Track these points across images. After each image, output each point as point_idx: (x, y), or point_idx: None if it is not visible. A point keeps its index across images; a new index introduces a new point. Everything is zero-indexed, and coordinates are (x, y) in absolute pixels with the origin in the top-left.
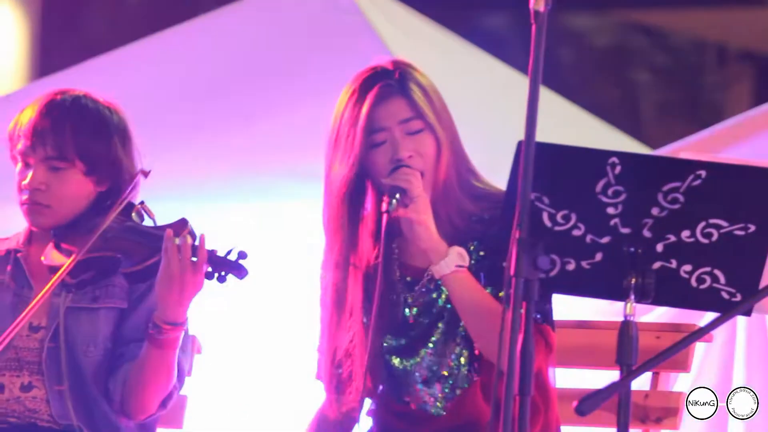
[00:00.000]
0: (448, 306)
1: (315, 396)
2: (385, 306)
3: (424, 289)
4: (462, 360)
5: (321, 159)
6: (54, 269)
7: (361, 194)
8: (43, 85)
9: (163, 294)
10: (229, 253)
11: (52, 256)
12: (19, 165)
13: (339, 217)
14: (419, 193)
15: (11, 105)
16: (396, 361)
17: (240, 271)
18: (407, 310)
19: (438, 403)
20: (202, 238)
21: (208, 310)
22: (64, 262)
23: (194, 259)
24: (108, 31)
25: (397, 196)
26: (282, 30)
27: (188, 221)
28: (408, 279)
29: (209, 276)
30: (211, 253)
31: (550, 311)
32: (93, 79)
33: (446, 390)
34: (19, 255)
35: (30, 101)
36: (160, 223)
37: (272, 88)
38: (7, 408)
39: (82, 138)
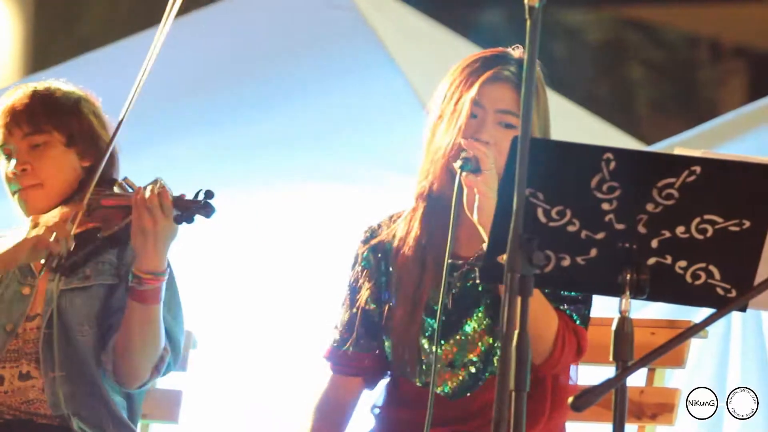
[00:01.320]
0: (488, 293)
1: (310, 389)
2: (425, 289)
3: (463, 276)
4: (491, 350)
5: (316, 154)
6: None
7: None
8: (36, 80)
9: (140, 246)
10: (196, 194)
11: None
12: (3, 160)
13: (440, 185)
14: (490, 167)
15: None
16: (426, 343)
17: (207, 210)
18: (443, 296)
19: (458, 388)
20: (163, 186)
21: (203, 306)
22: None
23: (160, 208)
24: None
25: (472, 160)
26: (277, 26)
27: (160, 178)
28: (451, 262)
29: (178, 219)
30: (178, 197)
31: (587, 315)
32: (87, 74)
33: (469, 377)
34: None
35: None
36: None
37: (267, 85)
38: (5, 401)
39: (54, 111)
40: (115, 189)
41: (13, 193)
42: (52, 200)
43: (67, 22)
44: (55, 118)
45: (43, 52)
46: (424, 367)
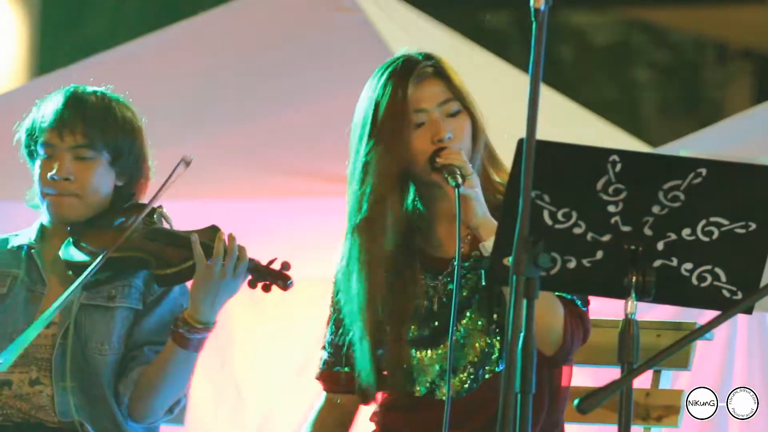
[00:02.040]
0: (476, 296)
1: (315, 392)
2: (408, 298)
3: (447, 279)
4: (488, 350)
5: (321, 156)
6: (73, 265)
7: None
8: (42, 82)
9: (199, 297)
10: (272, 263)
11: (70, 252)
12: (40, 159)
13: (384, 210)
14: (471, 170)
15: (11, 103)
16: (417, 352)
17: (285, 281)
18: (428, 302)
19: (459, 391)
20: (242, 248)
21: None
22: (84, 260)
23: (234, 266)
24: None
25: (458, 171)
26: (282, 28)
27: (219, 228)
28: (431, 270)
29: (252, 284)
30: (255, 263)
31: (585, 297)
32: (93, 77)
33: (469, 379)
34: (32, 251)
35: (30, 98)
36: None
37: (272, 87)
38: (12, 405)
39: (111, 128)
40: (154, 219)
41: (44, 195)
42: (83, 213)
43: (73, 24)
44: (110, 137)
45: (49, 54)
46: (415, 375)
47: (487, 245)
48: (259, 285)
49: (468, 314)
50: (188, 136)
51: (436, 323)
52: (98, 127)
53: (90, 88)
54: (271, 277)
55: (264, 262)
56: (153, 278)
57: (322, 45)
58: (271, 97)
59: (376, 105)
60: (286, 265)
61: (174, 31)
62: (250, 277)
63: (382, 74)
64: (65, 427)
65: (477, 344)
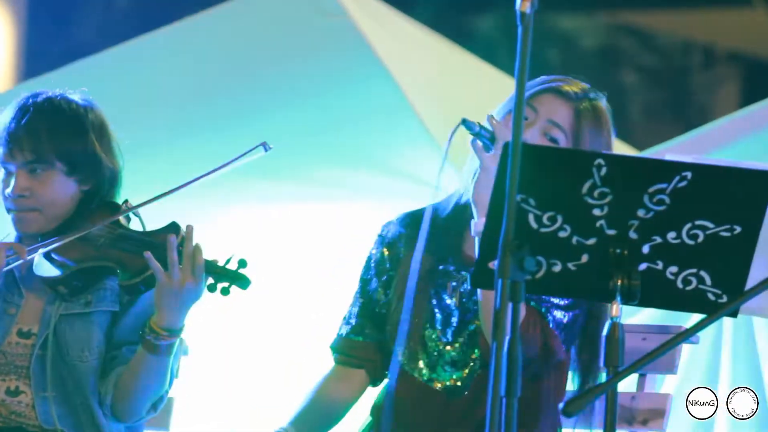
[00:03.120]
0: None
1: (301, 392)
2: (428, 289)
3: (465, 274)
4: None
5: (309, 161)
6: (47, 280)
7: None
8: (29, 87)
9: (163, 303)
10: (228, 261)
11: (43, 267)
12: (1, 172)
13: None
14: (500, 150)
15: None
16: (432, 342)
17: (242, 282)
18: (446, 297)
19: (457, 386)
20: (198, 248)
21: (193, 311)
22: (55, 273)
23: (192, 270)
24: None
25: (486, 131)
26: (268, 34)
27: (178, 225)
28: (459, 263)
29: (212, 288)
30: (212, 263)
31: (565, 323)
32: (80, 81)
33: (472, 373)
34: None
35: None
36: (147, 225)
37: (258, 92)
38: None
39: (59, 139)
40: (121, 219)
41: (8, 211)
42: (47, 225)
43: (60, 28)
44: (59, 147)
45: (36, 58)
46: (426, 358)
47: (472, 224)
48: (219, 288)
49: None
50: (176, 140)
51: (452, 318)
52: (45, 141)
53: (42, 96)
54: (229, 278)
55: (221, 262)
56: (119, 288)
57: (308, 49)
58: (257, 101)
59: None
60: (243, 262)
61: (160, 36)
62: (210, 280)
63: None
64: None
65: (482, 344)
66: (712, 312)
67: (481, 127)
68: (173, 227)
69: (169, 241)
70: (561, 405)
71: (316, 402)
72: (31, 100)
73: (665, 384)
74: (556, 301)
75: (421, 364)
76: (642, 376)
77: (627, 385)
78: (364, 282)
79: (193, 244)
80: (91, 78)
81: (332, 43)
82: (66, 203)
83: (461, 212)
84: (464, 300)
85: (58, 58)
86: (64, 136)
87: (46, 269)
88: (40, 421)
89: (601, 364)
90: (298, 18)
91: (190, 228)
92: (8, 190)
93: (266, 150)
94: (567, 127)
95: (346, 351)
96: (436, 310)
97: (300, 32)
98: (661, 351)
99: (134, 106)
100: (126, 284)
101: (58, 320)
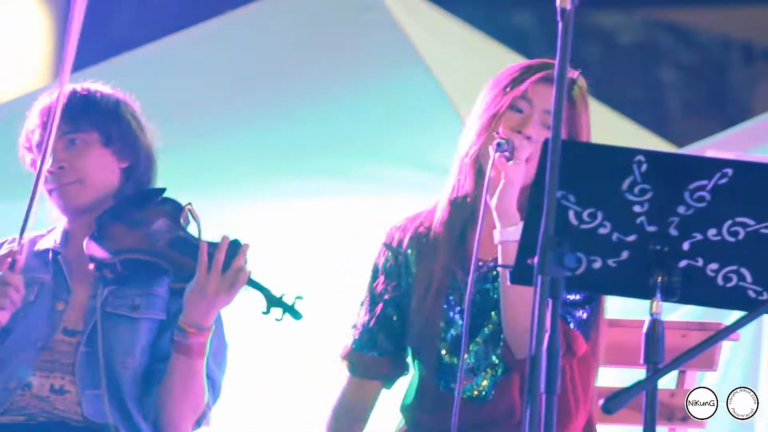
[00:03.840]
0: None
1: (320, 396)
2: (443, 297)
3: (481, 278)
4: (508, 350)
5: (343, 157)
6: (96, 260)
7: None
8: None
9: (193, 303)
10: (282, 296)
11: (93, 247)
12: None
13: (465, 186)
14: (523, 159)
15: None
16: (445, 349)
17: (296, 315)
18: (456, 303)
19: (482, 392)
20: (244, 268)
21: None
22: (105, 255)
23: (232, 281)
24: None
25: (507, 143)
26: (308, 28)
27: (241, 244)
28: (460, 271)
29: (265, 312)
30: (268, 293)
31: (585, 319)
32: (119, 76)
33: (491, 379)
34: (59, 257)
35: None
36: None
37: (298, 87)
38: (35, 406)
39: (94, 111)
40: (181, 220)
41: (50, 192)
42: (91, 197)
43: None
44: (94, 118)
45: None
46: (443, 371)
47: (501, 233)
48: (272, 312)
49: (493, 315)
50: (212, 137)
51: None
52: (80, 111)
53: (72, 84)
54: (285, 309)
55: (276, 293)
56: (170, 290)
57: (348, 45)
58: (296, 97)
59: (491, 90)
60: (298, 297)
61: (198, 32)
62: (264, 304)
63: (514, 67)
64: (93, 426)
65: (500, 346)
66: (753, 309)
67: (505, 141)
68: (235, 244)
69: (222, 243)
70: (601, 402)
71: (339, 419)
72: (65, 88)
73: (705, 381)
74: (571, 298)
75: (440, 372)
76: (682, 372)
77: (667, 381)
78: (374, 292)
79: (244, 260)
80: (130, 73)
81: (371, 39)
82: (107, 176)
83: (460, 213)
84: (475, 302)
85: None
86: (98, 109)
87: (95, 250)
88: (86, 415)
89: (641, 360)
90: (338, 14)
91: (246, 246)
92: (47, 167)
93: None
94: (563, 114)
95: (361, 365)
96: (451, 316)
97: (339, 28)
98: (701, 348)
99: (173, 102)
100: (177, 287)
101: (103, 317)
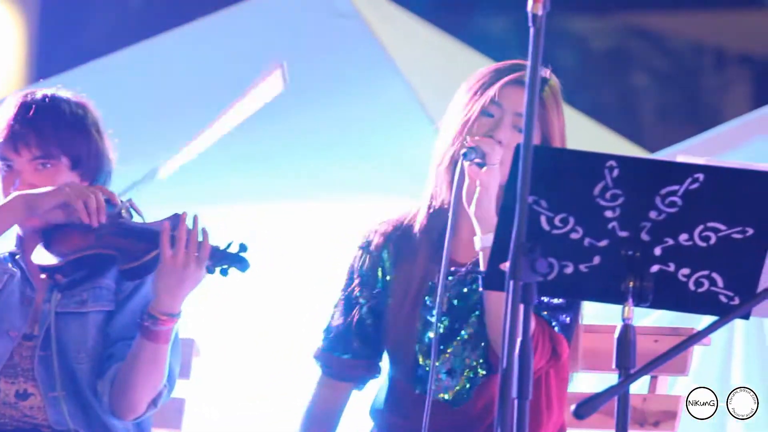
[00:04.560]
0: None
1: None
2: (420, 300)
3: (459, 282)
4: (487, 352)
5: (321, 162)
6: (46, 268)
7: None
8: (39, 87)
9: (162, 285)
10: (229, 245)
11: (41, 256)
12: (1, 172)
13: (441, 192)
14: (495, 163)
15: None
16: (421, 354)
17: (242, 264)
18: (433, 306)
19: (458, 394)
20: (205, 232)
21: (205, 313)
22: (54, 261)
23: (197, 253)
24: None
25: (476, 150)
26: (281, 35)
27: (180, 214)
28: (437, 274)
29: (210, 270)
30: (212, 247)
31: (568, 323)
32: (93, 82)
33: (468, 381)
34: (17, 257)
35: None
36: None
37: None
38: (3, 414)
39: (63, 133)
40: (123, 213)
41: None
42: (50, 221)
43: (73, 28)
44: (64, 142)
45: (47, 59)
46: (419, 373)
47: (482, 239)
48: (217, 270)
49: (472, 318)
50: (189, 141)
51: (446, 323)
52: (52, 135)
53: (39, 92)
54: (229, 260)
55: (221, 246)
56: (120, 273)
57: (320, 49)
58: (269, 103)
59: (464, 95)
60: (243, 247)
61: (172, 37)
62: (208, 262)
63: (486, 70)
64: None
65: (479, 349)
66: (724, 314)
67: (473, 149)
68: (175, 217)
69: (181, 219)
70: (573, 407)
71: (312, 421)
72: (30, 97)
73: (676, 386)
74: (555, 302)
75: (416, 375)
76: (654, 377)
77: (639, 387)
78: (349, 295)
79: (200, 229)
80: (102, 80)
81: (345, 44)
82: None
83: (438, 219)
84: (453, 305)
85: (69, 60)
86: (68, 131)
87: (45, 258)
88: (51, 422)
89: (613, 366)
90: (311, 19)
91: (196, 216)
92: (14, 187)
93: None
94: (537, 115)
95: (335, 367)
96: (428, 319)
97: (312, 33)
98: (673, 353)
99: (146, 108)
100: (125, 268)
101: (54, 318)
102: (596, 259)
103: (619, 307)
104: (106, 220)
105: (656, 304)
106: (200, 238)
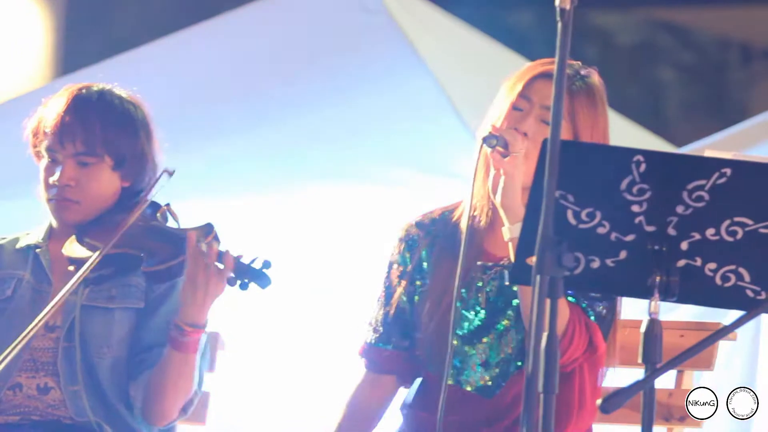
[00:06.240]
0: None
1: (337, 390)
2: (458, 293)
3: (497, 275)
4: (521, 344)
5: (345, 157)
6: (75, 261)
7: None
8: (67, 82)
9: (188, 297)
10: (253, 261)
11: (73, 248)
12: (45, 161)
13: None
14: (519, 151)
15: (35, 102)
16: (459, 341)
17: (263, 280)
18: (472, 298)
19: (491, 385)
20: (227, 252)
21: (230, 307)
22: (86, 255)
23: (220, 265)
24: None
25: (498, 138)
26: (307, 30)
27: (214, 226)
28: (482, 263)
29: (231, 282)
30: (236, 260)
31: (604, 315)
32: (120, 75)
33: (501, 373)
34: (38, 251)
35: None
36: (184, 225)
37: (297, 87)
38: (28, 405)
39: (110, 133)
40: (158, 216)
41: (49, 199)
42: (84, 217)
43: (99, 22)
44: (110, 141)
45: (74, 52)
46: (456, 363)
47: (510, 229)
48: (237, 283)
49: (509, 312)
50: (213, 137)
51: (482, 318)
52: (99, 134)
53: (94, 87)
54: (251, 275)
55: (246, 260)
56: (143, 275)
57: (348, 46)
58: (297, 98)
59: (501, 95)
60: (267, 263)
61: (199, 31)
62: (231, 274)
63: (525, 67)
64: (82, 425)
65: (513, 341)
66: (751, 309)
67: (493, 136)
68: (208, 226)
69: (190, 235)
70: (599, 402)
71: (353, 414)
72: (83, 92)
73: (702, 381)
74: (593, 293)
75: (450, 366)
76: (680, 372)
77: (665, 381)
78: (389, 288)
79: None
80: (130, 73)
81: (371, 38)
82: (107, 198)
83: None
84: (491, 299)
85: (96, 53)
86: (115, 131)
87: (76, 251)
88: (72, 413)
89: (639, 360)
90: (339, 14)
91: (213, 228)
92: (53, 179)
93: (170, 176)
94: (565, 109)
95: (376, 359)
96: (464, 313)
97: (340, 29)
98: (699, 348)
99: (171, 102)
100: (149, 270)
101: (81, 311)
102: (623, 254)
103: (645, 301)
104: (140, 221)
105: (682, 299)
106: (223, 249)
